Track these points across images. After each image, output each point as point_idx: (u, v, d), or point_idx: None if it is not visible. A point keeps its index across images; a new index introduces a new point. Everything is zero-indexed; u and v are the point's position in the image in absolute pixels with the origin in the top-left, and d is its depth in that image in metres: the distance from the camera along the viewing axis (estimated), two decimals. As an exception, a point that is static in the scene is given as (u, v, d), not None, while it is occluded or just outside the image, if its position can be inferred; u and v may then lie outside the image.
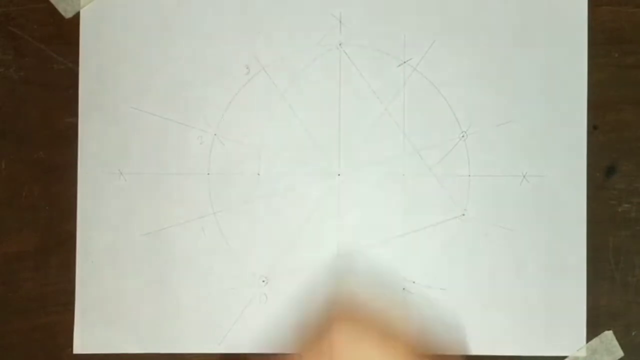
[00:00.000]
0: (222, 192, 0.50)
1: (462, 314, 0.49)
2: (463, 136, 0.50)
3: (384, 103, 0.50)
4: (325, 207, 0.50)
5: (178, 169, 0.50)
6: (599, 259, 0.50)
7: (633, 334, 0.50)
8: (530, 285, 0.49)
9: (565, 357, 0.49)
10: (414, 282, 0.50)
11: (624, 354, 0.49)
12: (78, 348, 0.50)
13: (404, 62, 0.50)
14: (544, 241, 0.50)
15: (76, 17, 0.51)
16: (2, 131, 0.51)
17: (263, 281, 0.50)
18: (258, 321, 0.50)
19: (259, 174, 0.50)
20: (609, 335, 0.49)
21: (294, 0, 0.50)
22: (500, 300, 0.50)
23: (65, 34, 0.51)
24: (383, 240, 0.50)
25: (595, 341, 0.49)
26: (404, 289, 0.50)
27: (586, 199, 0.50)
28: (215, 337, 0.50)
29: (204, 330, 0.50)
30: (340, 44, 0.50)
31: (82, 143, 0.51)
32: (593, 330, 0.49)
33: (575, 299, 0.49)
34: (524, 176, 0.50)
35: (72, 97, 0.51)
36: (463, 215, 0.50)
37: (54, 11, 0.51)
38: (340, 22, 0.50)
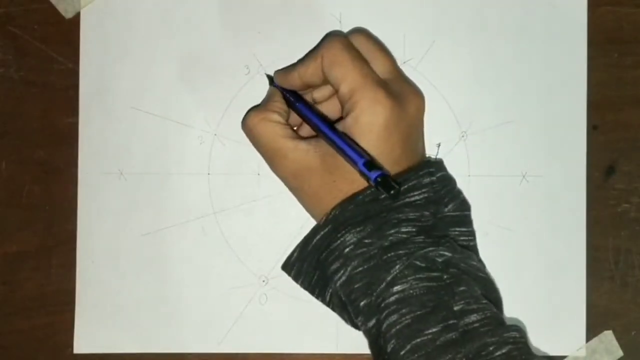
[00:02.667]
0: (222, 192, 0.50)
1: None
2: (463, 136, 0.50)
3: (384, 103, 0.50)
4: (325, 207, 0.50)
5: (178, 169, 0.50)
6: (599, 259, 0.50)
7: (633, 334, 0.50)
8: (530, 286, 0.49)
9: (565, 357, 0.49)
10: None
11: (624, 354, 0.49)
12: (78, 348, 0.50)
13: (404, 62, 0.50)
14: (544, 241, 0.50)
15: (76, 17, 0.51)
16: (2, 131, 0.51)
17: (263, 281, 0.50)
18: (258, 321, 0.50)
19: (259, 174, 0.50)
20: (608, 335, 0.49)
21: (294, 0, 0.50)
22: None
23: (65, 34, 0.51)
24: (383, 240, 0.50)
25: (595, 341, 0.49)
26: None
27: (586, 199, 0.50)
28: (215, 337, 0.50)
29: (204, 330, 0.50)
30: (340, 44, 0.50)
31: (82, 143, 0.51)
32: (593, 330, 0.49)
33: (575, 299, 0.49)
34: (524, 176, 0.50)
35: (72, 97, 0.51)
36: (463, 215, 0.50)
37: (54, 11, 0.51)
38: (340, 22, 0.50)
